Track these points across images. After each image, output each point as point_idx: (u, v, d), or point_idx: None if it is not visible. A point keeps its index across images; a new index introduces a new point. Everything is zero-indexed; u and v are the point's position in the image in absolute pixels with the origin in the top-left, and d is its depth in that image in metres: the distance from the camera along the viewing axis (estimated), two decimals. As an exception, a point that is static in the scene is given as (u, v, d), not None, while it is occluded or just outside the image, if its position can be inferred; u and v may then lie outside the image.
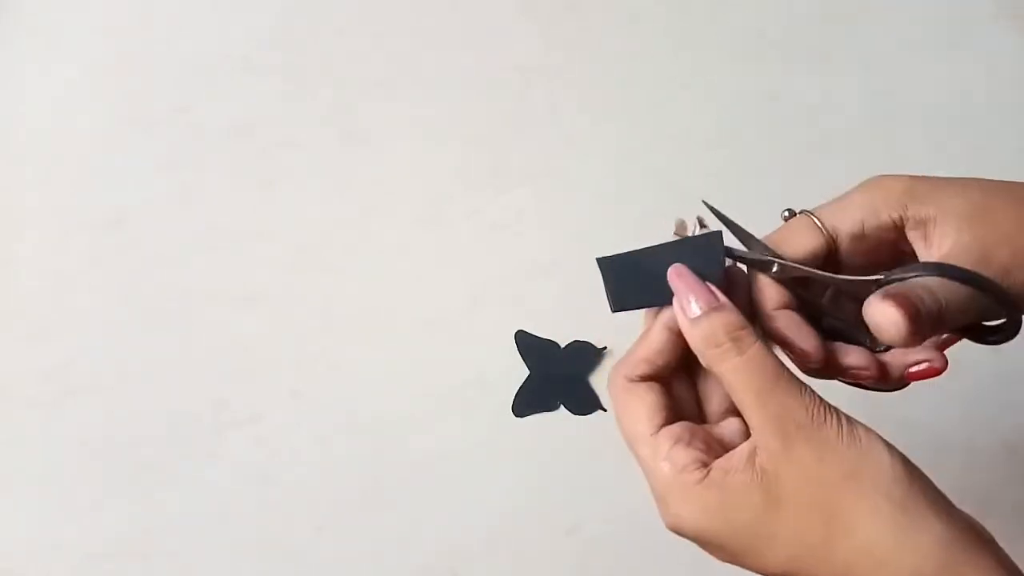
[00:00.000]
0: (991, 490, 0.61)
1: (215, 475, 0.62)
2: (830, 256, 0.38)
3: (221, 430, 0.63)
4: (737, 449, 0.34)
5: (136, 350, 0.65)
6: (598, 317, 0.65)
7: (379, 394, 0.64)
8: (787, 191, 0.68)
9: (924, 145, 0.70)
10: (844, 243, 0.38)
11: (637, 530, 0.61)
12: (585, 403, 0.64)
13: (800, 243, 0.38)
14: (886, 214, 0.37)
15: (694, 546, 0.61)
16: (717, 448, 0.35)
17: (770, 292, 0.38)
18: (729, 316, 0.34)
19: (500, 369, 0.64)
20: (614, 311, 0.38)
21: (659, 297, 0.37)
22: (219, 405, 0.63)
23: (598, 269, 0.39)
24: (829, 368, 0.38)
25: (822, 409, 0.33)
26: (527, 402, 0.63)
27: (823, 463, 0.32)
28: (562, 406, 0.64)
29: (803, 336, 0.37)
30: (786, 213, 0.40)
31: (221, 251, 0.67)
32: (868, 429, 0.33)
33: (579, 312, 0.66)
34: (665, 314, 0.37)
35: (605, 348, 0.64)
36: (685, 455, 0.34)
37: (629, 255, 0.39)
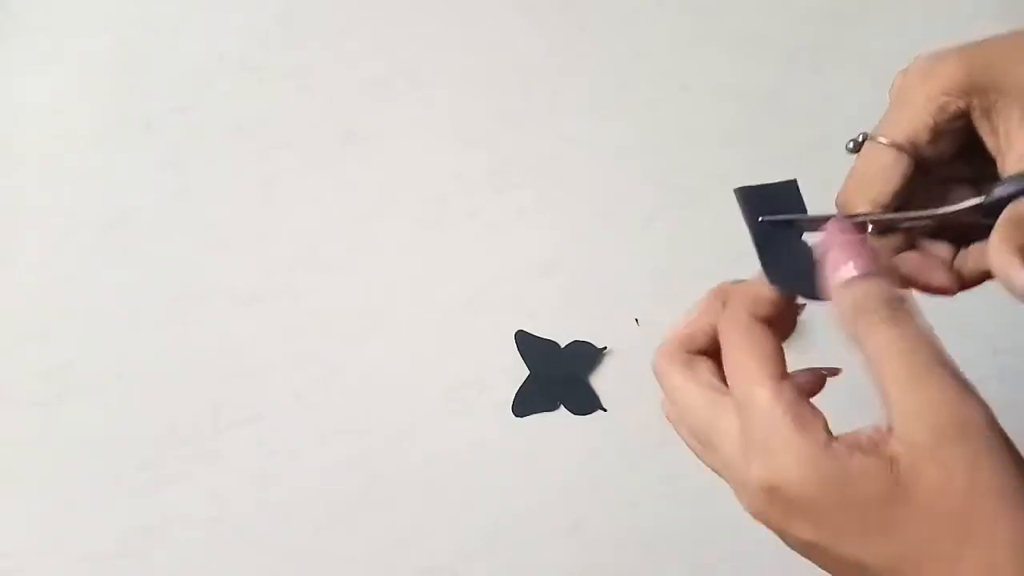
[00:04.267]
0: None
1: (215, 475, 0.62)
2: (917, 171, 0.36)
3: (221, 430, 0.63)
4: (864, 431, 0.30)
5: (136, 350, 0.65)
6: (598, 317, 0.66)
7: (379, 394, 0.64)
8: (787, 191, 0.68)
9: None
10: (925, 152, 0.35)
11: (637, 530, 0.61)
12: (585, 403, 0.64)
13: (886, 176, 0.36)
14: (953, 105, 0.35)
15: (695, 547, 0.61)
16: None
17: (880, 244, 0.36)
18: (894, 289, 0.31)
19: (500, 369, 0.64)
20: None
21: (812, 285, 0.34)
22: (219, 405, 0.63)
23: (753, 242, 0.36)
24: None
25: (986, 412, 0.30)
26: (527, 402, 0.63)
27: (975, 473, 0.28)
28: (562, 406, 0.64)
29: (932, 271, 0.36)
30: (851, 144, 0.38)
31: (221, 251, 0.67)
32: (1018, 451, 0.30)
33: (579, 312, 0.66)
34: None
35: (605, 348, 0.65)
36: (812, 413, 0.31)
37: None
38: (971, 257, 0.37)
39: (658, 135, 0.70)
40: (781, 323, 0.34)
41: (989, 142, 0.35)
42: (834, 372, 0.36)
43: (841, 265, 0.32)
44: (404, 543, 0.61)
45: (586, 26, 0.74)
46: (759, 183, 0.36)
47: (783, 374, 0.32)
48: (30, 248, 0.68)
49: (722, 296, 0.35)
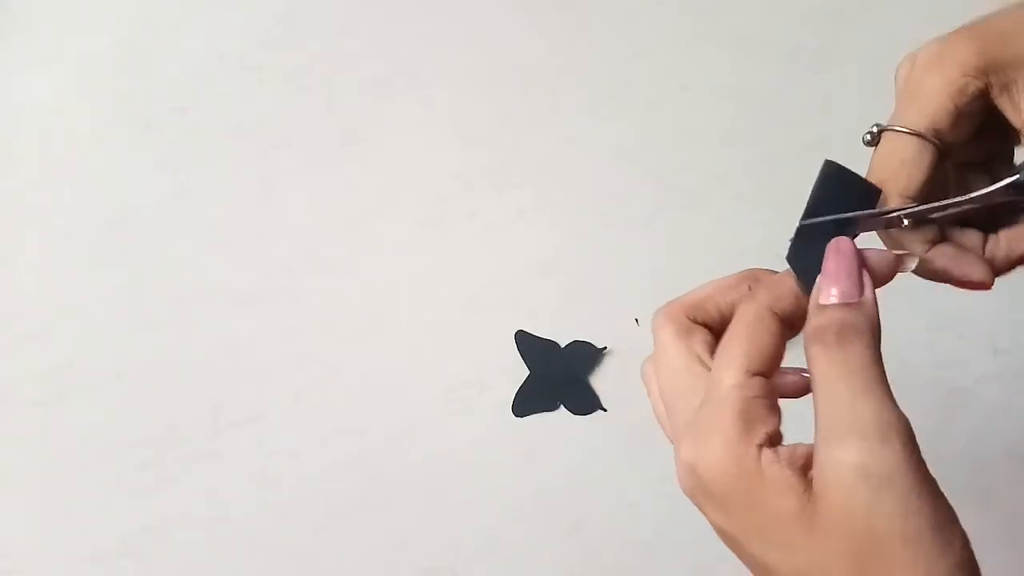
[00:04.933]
0: (991, 492, 0.61)
1: (215, 475, 0.62)
2: (941, 161, 0.35)
3: (221, 430, 0.63)
4: (806, 446, 0.30)
5: (136, 350, 0.65)
6: (598, 317, 0.66)
7: (379, 394, 0.64)
8: (787, 191, 0.68)
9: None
10: (947, 138, 0.35)
11: (637, 529, 0.61)
12: (585, 403, 0.64)
13: (912, 167, 0.35)
14: (972, 85, 0.34)
15: (695, 546, 0.61)
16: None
17: (911, 239, 0.35)
18: (856, 317, 0.31)
19: (500, 369, 0.64)
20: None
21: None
22: (219, 405, 0.63)
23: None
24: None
25: (906, 451, 0.28)
26: (527, 402, 0.63)
27: (880, 514, 0.27)
28: (562, 406, 0.64)
29: (969, 265, 0.35)
30: (868, 137, 0.36)
31: (221, 251, 0.67)
32: (951, 508, 0.29)
33: (579, 312, 0.66)
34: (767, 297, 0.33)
35: (605, 348, 0.64)
36: (764, 415, 0.30)
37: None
38: (1002, 243, 0.36)
39: (658, 135, 0.70)
40: (800, 321, 0.33)
41: (1012, 118, 0.35)
42: None
43: (824, 289, 0.32)
44: (404, 543, 0.61)
45: (586, 26, 0.74)
46: (851, 170, 0.35)
47: (763, 371, 0.31)
48: (30, 248, 0.68)
49: (750, 279, 0.35)
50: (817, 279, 0.32)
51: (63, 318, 0.65)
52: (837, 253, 0.32)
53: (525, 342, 0.65)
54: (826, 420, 0.29)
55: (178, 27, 0.74)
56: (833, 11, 0.74)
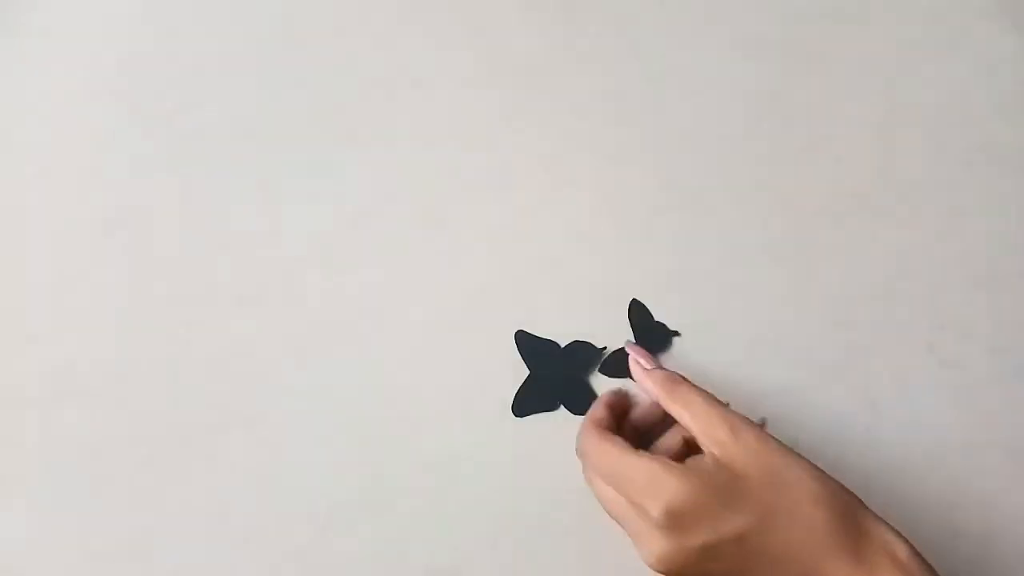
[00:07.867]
0: (991, 491, 0.61)
1: (215, 475, 0.62)
2: None
3: (221, 430, 0.63)
4: (694, 457, 0.49)
5: (136, 350, 0.65)
6: (598, 317, 0.66)
7: (379, 394, 0.64)
8: (787, 191, 0.68)
9: (924, 145, 0.70)
10: None
11: (637, 530, 0.61)
12: (585, 403, 0.64)
13: None
14: None
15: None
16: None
17: None
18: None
19: (500, 369, 0.64)
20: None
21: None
22: (219, 405, 0.63)
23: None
24: None
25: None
26: (527, 402, 0.63)
27: (761, 443, 0.47)
28: (562, 406, 0.64)
29: None
30: None
31: (221, 251, 0.67)
32: None
33: (579, 312, 0.66)
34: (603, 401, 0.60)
35: (605, 348, 0.65)
36: (661, 457, 0.49)
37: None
38: None
39: (658, 135, 0.70)
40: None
41: None
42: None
43: (644, 363, 0.58)
44: (404, 543, 0.61)
45: (586, 26, 0.74)
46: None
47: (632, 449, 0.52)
48: (30, 248, 0.68)
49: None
50: (632, 360, 0.61)
51: (63, 318, 0.66)
52: (633, 347, 0.62)
53: (525, 342, 0.65)
54: (706, 425, 0.50)
55: (178, 27, 0.74)
56: (833, 11, 0.74)
